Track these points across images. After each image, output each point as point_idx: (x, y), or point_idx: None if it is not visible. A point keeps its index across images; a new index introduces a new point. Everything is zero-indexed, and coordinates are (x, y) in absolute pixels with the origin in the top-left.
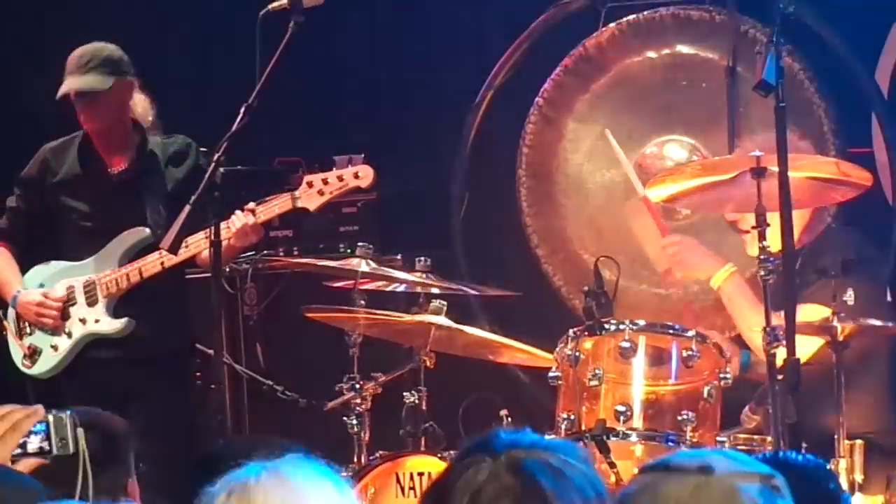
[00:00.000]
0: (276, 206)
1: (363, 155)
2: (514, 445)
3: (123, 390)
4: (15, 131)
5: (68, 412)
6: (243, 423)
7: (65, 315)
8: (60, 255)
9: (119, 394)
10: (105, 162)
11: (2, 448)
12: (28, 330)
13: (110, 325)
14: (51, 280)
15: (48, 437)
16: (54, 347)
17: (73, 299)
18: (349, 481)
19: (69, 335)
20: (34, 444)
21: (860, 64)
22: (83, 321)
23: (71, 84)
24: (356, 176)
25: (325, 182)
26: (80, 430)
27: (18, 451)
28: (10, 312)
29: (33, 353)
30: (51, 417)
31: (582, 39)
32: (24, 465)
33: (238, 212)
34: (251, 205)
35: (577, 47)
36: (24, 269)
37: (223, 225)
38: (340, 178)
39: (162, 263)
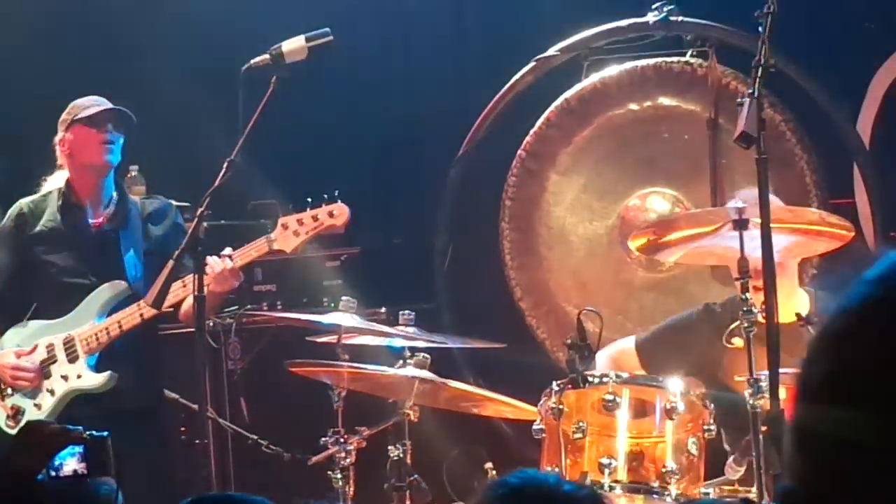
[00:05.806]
0: (253, 249)
1: (336, 192)
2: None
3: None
4: None
5: (106, 434)
6: (228, 477)
7: (46, 373)
8: (38, 311)
9: None
10: (85, 216)
11: (27, 460)
12: (8, 391)
13: (93, 379)
14: (29, 340)
15: (85, 460)
16: (37, 406)
17: (53, 357)
18: None
19: (52, 393)
20: (69, 466)
21: (842, 115)
22: (65, 378)
23: (107, 112)
24: (331, 215)
25: (300, 223)
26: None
27: (52, 473)
28: None
29: (16, 414)
30: (89, 439)
31: (564, 92)
32: None
33: (214, 257)
34: (227, 250)
35: (559, 100)
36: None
37: None
38: (315, 218)
39: (141, 315)
